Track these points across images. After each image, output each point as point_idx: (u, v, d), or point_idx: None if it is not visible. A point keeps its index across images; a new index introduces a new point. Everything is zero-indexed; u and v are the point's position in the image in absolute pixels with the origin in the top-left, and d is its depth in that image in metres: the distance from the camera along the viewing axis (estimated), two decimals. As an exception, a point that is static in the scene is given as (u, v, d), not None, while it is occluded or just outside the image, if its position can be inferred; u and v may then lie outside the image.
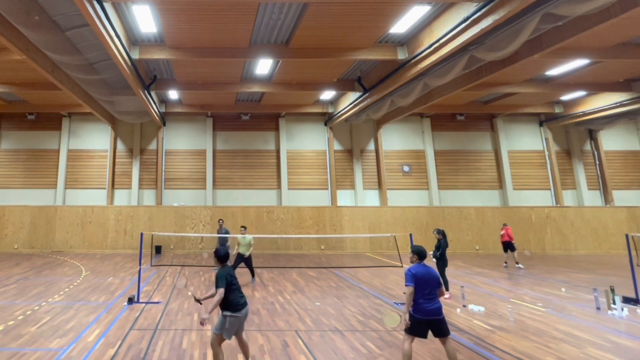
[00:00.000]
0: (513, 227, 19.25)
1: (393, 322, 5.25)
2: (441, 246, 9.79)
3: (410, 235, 9.48)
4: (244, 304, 5.01)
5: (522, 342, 6.37)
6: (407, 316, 4.94)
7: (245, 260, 11.09)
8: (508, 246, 14.85)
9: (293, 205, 19.70)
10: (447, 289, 9.62)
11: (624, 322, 7.54)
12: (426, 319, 4.88)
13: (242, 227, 11.92)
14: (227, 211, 19.28)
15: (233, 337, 5.01)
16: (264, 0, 9.09)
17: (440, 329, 4.92)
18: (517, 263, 14.51)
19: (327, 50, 12.40)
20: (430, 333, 4.94)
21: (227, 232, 13.16)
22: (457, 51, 11.06)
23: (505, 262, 14.95)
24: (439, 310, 4.92)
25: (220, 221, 13.88)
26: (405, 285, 4.96)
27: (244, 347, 5.15)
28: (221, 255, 5.17)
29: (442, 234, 9.97)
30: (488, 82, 15.00)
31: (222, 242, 13.37)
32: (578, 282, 11.62)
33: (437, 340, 6.48)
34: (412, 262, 5.21)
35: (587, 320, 7.65)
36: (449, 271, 11.88)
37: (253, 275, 11.52)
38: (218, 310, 5.03)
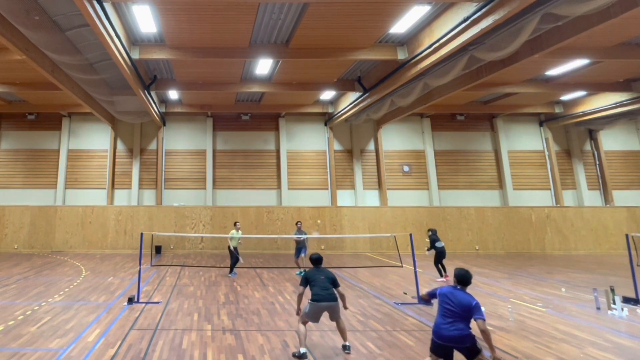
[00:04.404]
0: (513, 227, 19.28)
1: None
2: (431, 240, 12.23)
3: (410, 235, 9.50)
4: (320, 298, 5.86)
5: (522, 342, 6.37)
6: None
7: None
8: None
9: (293, 205, 19.69)
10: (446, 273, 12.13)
11: (624, 322, 7.54)
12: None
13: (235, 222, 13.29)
14: (227, 211, 19.29)
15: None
16: (264, 0, 9.09)
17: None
18: None
19: (327, 50, 12.40)
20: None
21: (304, 233, 13.03)
22: (457, 51, 11.06)
23: None
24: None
25: (299, 223, 13.48)
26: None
27: (340, 331, 6.04)
28: (312, 259, 6.33)
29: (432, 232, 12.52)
30: (488, 82, 14.99)
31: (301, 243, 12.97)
32: (578, 282, 11.62)
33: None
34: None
35: (587, 320, 7.65)
36: (450, 271, 11.93)
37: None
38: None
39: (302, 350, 5.67)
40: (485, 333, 4.16)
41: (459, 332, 4.30)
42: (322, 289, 5.88)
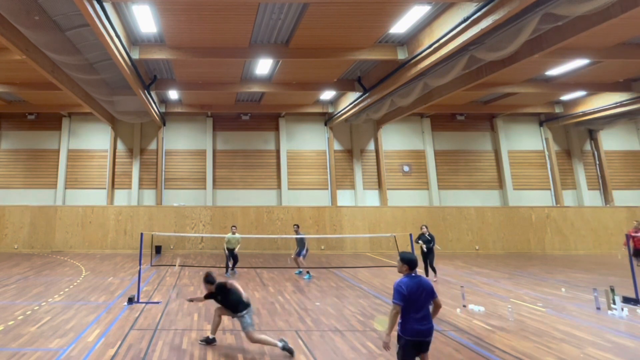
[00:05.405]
0: (513, 227, 19.27)
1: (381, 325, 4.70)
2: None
3: (410, 235, 9.51)
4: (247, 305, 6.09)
5: (522, 342, 6.37)
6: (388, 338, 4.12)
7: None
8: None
9: (293, 205, 19.69)
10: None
11: (624, 322, 7.54)
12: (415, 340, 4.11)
13: (232, 226, 13.49)
14: (227, 211, 19.29)
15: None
16: (264, 0, 9.09)
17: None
18: None
19: (327, 50, 12.40)
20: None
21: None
22: (457, 51, 11.06)
23: None
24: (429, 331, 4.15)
25: (296, 226, 13.41)
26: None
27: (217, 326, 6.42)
28: (206, 280, 6.39)
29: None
30: (488, 82, 14.98)
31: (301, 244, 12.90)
32: (578, 282, 11.62)
33: (437, 341, 6.53)
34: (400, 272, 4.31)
35: (587, 320, 7.65)
36: (450, 270, 11.92)
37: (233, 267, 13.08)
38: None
39: (211, 336, 6.24)
40: (440, 307, 4.27)
41: (430, 325, 4.11)
42: (242, 297, 6.07)
